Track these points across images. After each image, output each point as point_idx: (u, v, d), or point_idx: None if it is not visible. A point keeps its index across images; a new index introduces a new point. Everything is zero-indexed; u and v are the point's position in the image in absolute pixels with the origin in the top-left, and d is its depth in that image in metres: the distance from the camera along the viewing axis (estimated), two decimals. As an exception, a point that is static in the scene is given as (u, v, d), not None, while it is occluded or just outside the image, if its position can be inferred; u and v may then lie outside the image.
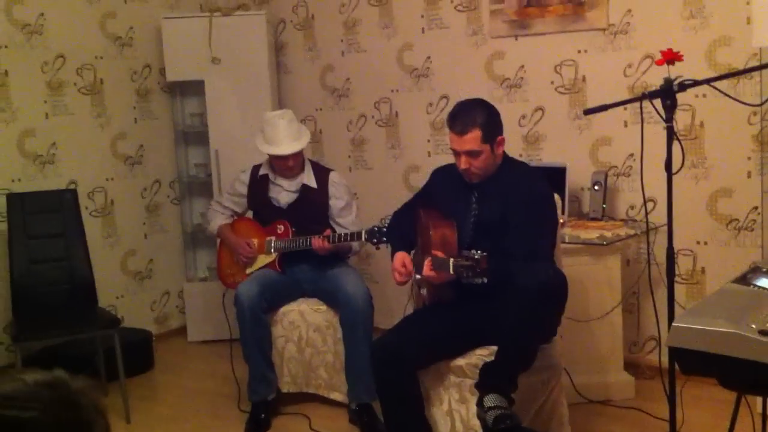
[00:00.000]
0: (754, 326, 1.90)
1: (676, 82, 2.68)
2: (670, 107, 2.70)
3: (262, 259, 3.88)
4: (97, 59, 4.69)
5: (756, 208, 3.66)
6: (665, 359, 3.24)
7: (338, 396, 3.79)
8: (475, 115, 2.90)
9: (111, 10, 4.75)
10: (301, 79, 5.12)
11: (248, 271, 3.88)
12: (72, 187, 4.47)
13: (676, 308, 2.75)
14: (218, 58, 4.80)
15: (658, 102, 2.75)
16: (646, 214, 3.20)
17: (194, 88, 4.96)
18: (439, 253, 2.80)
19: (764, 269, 2.31)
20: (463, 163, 2.93)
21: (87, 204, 4.59)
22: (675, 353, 2.03)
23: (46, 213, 4.10)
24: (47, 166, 4.45)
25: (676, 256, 2.89)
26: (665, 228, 2.79)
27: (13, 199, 4.08)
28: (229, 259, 3.99)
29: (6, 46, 4.25)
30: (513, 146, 3.99)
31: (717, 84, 2.89)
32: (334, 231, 3.79)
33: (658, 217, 3.55)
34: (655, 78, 3.78)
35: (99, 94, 4.71)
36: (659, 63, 2.88)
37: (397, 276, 3.04)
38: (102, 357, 4.10)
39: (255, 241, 3.90)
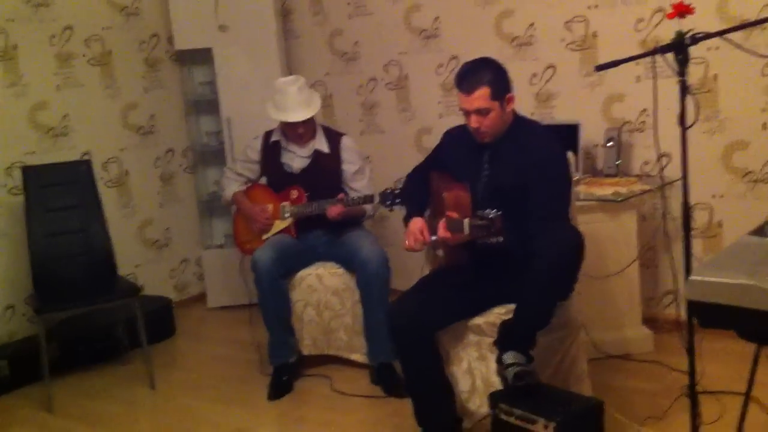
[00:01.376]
0: (772, 277, 1.91)
1: (687, 36, 2.65)
2: (683, 61, 2.68)
3: (278, 225, 3.91)
4: (104, 30, 4.69)
5: (772, 160, 3.65)
6: (683, 313, 3.25)
7: (359, 357, 3.84)
8: (482, 74, 2.89)
9: (116, -21, 4.74)
10: (310, 44, 5.10)
11: (264, 237, 3.91)
12: (86, 158, 4.49)
13: (693, 262, 2.76)
14: (225, 25, 4.78)
15: (670, 56, 2.73)
16: (661, 169, 3.19)
17: (203, 57, 4.95)
18: (454, 215, 2.81)
19: (781, 221, 2.31)
20: (473, 122, 2.92)
21: (102, 175, 4.62)
22: (693, 306, 2.04)
23: (62, 185, 4.14)
24: (60, 138, 4.47)
25: (692, 210, 2.89)
26: (680, 182, 2.79)
27: (29, 171, 4.11)
28: (245, 226, 4.01)
29: (13, 20, 4.25)
30: (524, 105, 3.98)
31: (729, 36, 2.86)
32: (347, 195, 3.81)
33: (673, 171, 3.54)
34: (666, 32, 3.72)
35: (108, 65, 4.72)
36: (670, 16, 2.85)
37: (411, 240, 3.02)
38: (124, 325, 4.17)
39: (270, 207, 3.92)
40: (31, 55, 4.33)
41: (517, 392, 2.67)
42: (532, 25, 4.23)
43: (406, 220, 3.12)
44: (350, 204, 3.72)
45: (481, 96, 2.86)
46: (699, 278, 2.00)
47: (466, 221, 2.72)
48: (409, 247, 3.02)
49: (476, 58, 2.98)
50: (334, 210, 3.71)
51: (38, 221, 4.04)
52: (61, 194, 4.12)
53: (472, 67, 2.93)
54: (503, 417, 2.68)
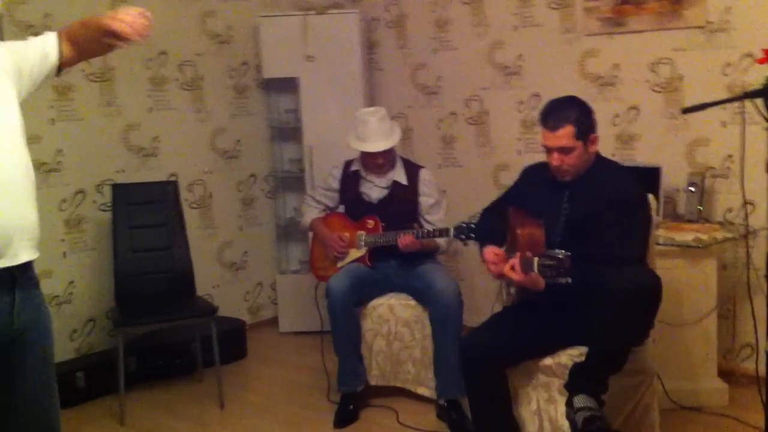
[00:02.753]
0: None
1: (779, 82, 2.61)
2: (773, 107, 2.64)
3: (353, 254, 3.96)
4: (197, 56, 4.86)
5: None
6: (762, 367, 3.15)
7: (425, 391, 3.84)
8: (568, 112, 2.90)
9: (210, 8, 4.91)
10: (393, 77, 5.18)
11: (339, 264, 3.96)
12: (173, 179, 4.65)
13: (774, 315, 2.69)
14: (312, 56, 4.90)
15: (759, 101, 2.69)
16: (746, 216, 3.12)
17: (289, 85, 5.08)
18: (527, 253, 2.81)
19: None
20: (555, 160, 2.92)
21: (186, 196, 4.76)
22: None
23: (149, 203, 4.28)
24: (150, 158, 4.64)
25: (774, 261, 2.82)
26: (763, 232, 2.73)
27: (118, 189, 4.28)
28: (321, 253, 4.08)
29: (113, 44, 4.44)
30: (606, 146, 3.94)
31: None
32: (421, 227, 3.85)
33: (757, 220, 3.46)
34: (754, 77, 3.67)
35: (198, 90, 4.88)
36: (761, 62, 2.82)
37: (492, 267, 3.02)
38: (199, 344, 4.27)
39: (346, 235, 3.98)
40: (126, 78, 4.52)
41: (587, 437, 2.64)
42: (616, 65, 4.21)
43: (481, 252, 3.13)
44: (423, 236, 3.74)
45: (566, 134, 2.86)
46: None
47: (536, 260, 2.72)
48: (496, 273, 2.99)
49: (563, 96, 2.99)
50: (405, 239, 3.74)
51: (124, 237, 4.19)
52: (148, 213, 4.26)
53: (558, 104, 2.93)
54: (571, 461, 2.64)
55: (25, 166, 2.09)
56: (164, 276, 4.23)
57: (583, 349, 2.82)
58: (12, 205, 2.01)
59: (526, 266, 2.75)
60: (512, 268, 2.79)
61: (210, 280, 4.95)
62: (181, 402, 4.08)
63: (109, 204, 4.31)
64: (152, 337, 4.36)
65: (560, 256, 2.60)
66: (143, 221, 4.25)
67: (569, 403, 2.72)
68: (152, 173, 4.62)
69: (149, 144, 4.64)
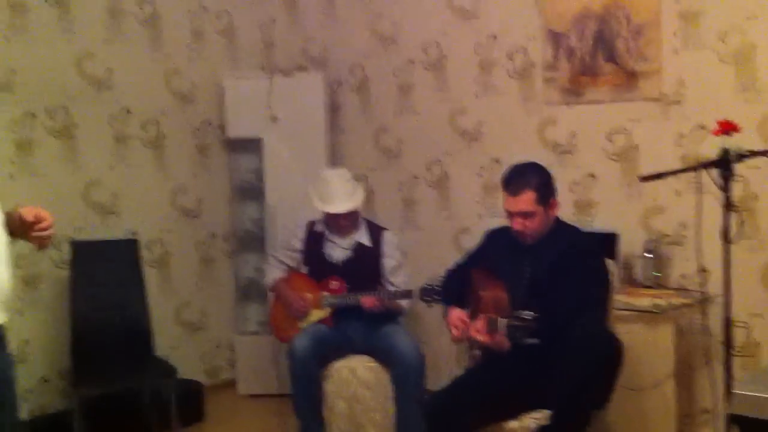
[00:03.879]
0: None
1: (733, 153, 2.73)
2: (727, 177, 2.75)
3: (316, 314, 3.95)
4: (160, 114, 4.87)
5: (812, 280, 3.64)
6: None
7: (385, 454, 3.81)
8: (530, 177, 2.98)
9: (176, 67, 4.95)
10: (356, 139, 5.25)
11: (301, 325, 3.95)
12: (132, 237, 4.60)
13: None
14: (277, 117, 4.95)
15: (714, 171, 2.80)
16: (703, 282, 3.21)
17: (252, 145, 5.10)
18: (492, 315, 2.84)
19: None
20: (516, 224, 2.99)
21: (144, 254, 4.70)
22: (737, 421, 2.04)
23: (108, 261, 4.25)
24: (109, 215, 4.60)
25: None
26: (719, 299, 2.81)
27: (77, 246, 4.23)
28: (283, 313, 4.06)
29: (75, 99, 4.44)
30: (565, 211, 4.01)
31: (774, 156, 2.93)
32: (385, 289, 3.87)
33: (712, 287, 3.56)
34: (707, 149, 3.80)
35: (161, 148, 4.88)
36: (716, 133, 2.94)
37: (454, 331, 3.06)
38: (155, 406, 4.17)
39: (309, 295, 3.98)
40: (89, 134, 4.50)
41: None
42: (574, 134, 4.34)
43: (445, 314, 3.16)
44: (388, 298, 3.76)
45: (527, 199, 2.93)
46: (744, 393, 2.00)
47: (502, 321, 2.75)
48: (456, 337, 3.04)
49: (524, 162, 3.06)
50: (368, 301, 3.76)
51: (82, 295, 4.12)
52: (107, 270, 4.22)
53: (520, 170, 3.01)
54: None
55: None
56: (122, 335, 4.15)
57: (547, 413, 2.85)
58: None
59: (492, 328, 2.78)
60: (478, 330, 2.83)
61: (167, 340, 4.85)
62: (135, 466, 3.97)
63: (67, 261, 4.25)
64: (106, 398, 4.24)
65: (528, 318, 2.65)
66: (101, 279, 4.20)
67: (534, 467, 2.73)
68: (111, 230, 4.57)
69: (109, 201, 4.60)
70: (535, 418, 2.91)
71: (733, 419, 2.09)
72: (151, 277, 4.73)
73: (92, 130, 4.52)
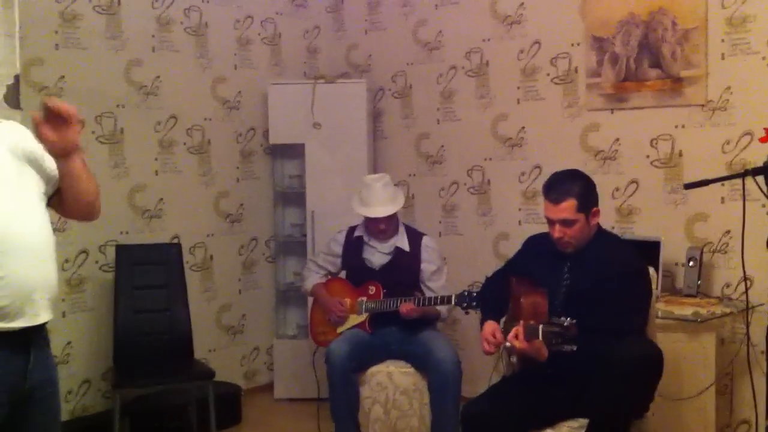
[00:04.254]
0: None
1: (779, 160, 2.68)
2: (773, 184, 2.69)
3: (353, 319, 3.97)
4: (206, 120, 4.95)
5: None
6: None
7: (422, 460, 3.80)
8: (571, 185, 2.95)
9: (222, 75, 5.02)
10: (397, 145, 5.27)
11: (339, 330, 3.97)
12: (175, 241, 4.68)
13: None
14: (319, 123, 4.99)
15: (760, 179, 2.75)
16: (747, 290, 3.14)
17: (294, 151, 5.16)
18: (531, 321, 2.82)
19: None
20: (557, 232, 2.96)
21: (188, 258, 4.78)
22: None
23: (151, 265, 4.31)
24: (154, 220, 4.68)
25: (773, 337, 2.83)
26: (762, 308, 2.75)
27: (121, 250, 4.31)
28: (321, 318, 4.08)
29: (123, 106, 4.53)
30: (606, 218, 3.97)
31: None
32: (422, 295, 3.87)
33: (755, 296, 3.48)
34: (753, 155, 3.75)
35: (206, 154, 4.95)
36: (763, 140, 2.89)
37: (485, 345, 3.04)
38: (194, 408, 4.23)
39: (347, 300, 3.99)
40: (135, 140, 4.59)
41: None
42: (617, 140, 4.29)
43: (482, 324, 3.15)
44: (424, 303, 3.76)
45: (568, 207, 2.91)
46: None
47: (541, 327, 2.73)
48: (487, 352, 3.04)
49: (567, 169, 3.05)
50: (405, 307, 3.76)
51: (126, 298, 4.20)
52: (150, 274, 4.28)
53: (562, 177, 2.99)
54: None
55: (46, 227, 2.13)
56: (163, 338, 4.22)
57: (584, 422, 2.81)
58: (34, 265, 2.05)
59: (530, 334, 2.76)
60: (516, 336, 2.80)
61: (207, 343, 4.92)
62: (175, 466, 4.02)
63: (112, 264, 4.33)
64: (148, 401, 4.32)
65: (565, 324, 2.62)
66: (145, 282, 4.27)
67: (569, 475, 2.70)
68: (155, 235, 4.65)
69: (154, 206, 4.68)
70: (571, 427, 2.88)
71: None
72: (193, 280, 4.80)
73: (139, 136, 4.60)
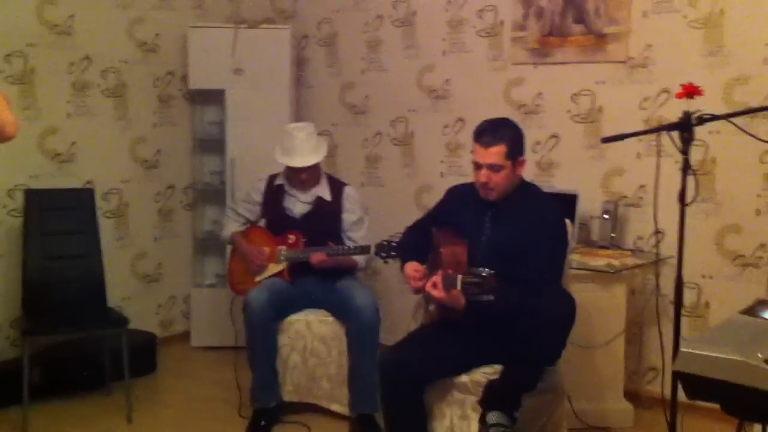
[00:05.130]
0: (760, 356, 1.94)
1: (695, 116, 2.74)
2: (687, 140, 2.76)
3: (272, 268, 3.92)
4: (121, 63, 4.76)
5: (763, 245, 3.70)
6: (666, 390, 3.25)
7: (338, 408, 3.82)
8: (504, 132, 2.97)
9: (139, 15, 4.83)
10: (321, 94, 5.20)
11: (258, 278, 3.92)
12: (88, 186, 4.52)
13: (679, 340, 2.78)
14: (241, 69, 4.87)
15: (675, 134, 2.81)
16: (657, 243, 3.24)
17: (215, 97, 5.03)
18: (449, 271, 2.84)
19: (771, 302, 2.35)
20: (482, 177, 2.96)
21: (101, 204, 4.63)
22: (681, 378, 2.06)
23: (62, 210, 4.16)
24: (65, 164, 4.50)
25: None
26: (672, 260, 2.83)
27: (31, 195, 4.14)
28: (240, 267, 4.03)
29: (34, 45, 4.32)
30: (526, 171, 4.00)
31: (734, 121, 2.94)
32: (342, 244, 3.85)
33: (666, 248, 3.60)
34: (670, 113, 3.84)
35: (121, 98, 4.78)
36: (680, 96, 2.95)
37: (412, 282, 3.06)
38: (108, 357, 4.14)
39: (266, 249, 3.94)
40: (47, 81, 4.39)
41: (498, 453, 2.66)
42: (539, 94, 4.33)
43: (402, 268, 3.15)
44: (338, 253, 3.75)
45: (498, 152, 2.92)
46: (689, 350, 2.02)
47: (459, 277, 2.74)
48: (415, 288, 3.05)
49: (499, 117, 3.06)
50: (316, 257, 3.74)
51: (35, 244, 4.04)
52: (61, 220, 4.13)
53: (494, 123, 3.00)
54: (482, 477, 2.66)
55: None
56: (75, 285, 4.10)
57: (498, 367, 2.86)
58: None
59: (448, 283, 2.77)
60: (434, 285, 2.82)
61: (122, 290, 4.81)
62: (87, 415, 3.94)
63: (20, 210, 4.17)
64: (59, 349, 4.21)
65: (484, 274, 2.64)
66: (56, 228, 4.12)
67: (482, 420, 2.75)
68: (67, 180, 4.48)
69: (66, 150, 4.51)
70: (485, 373, 2.92)
71: (678, 376, 2.11)
72: (107, 227, 4.66)
73: (50, 77, 4.40)
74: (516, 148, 2.97)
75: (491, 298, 2.69)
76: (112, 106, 4.74)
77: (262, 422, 3.71)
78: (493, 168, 2.94)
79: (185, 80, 5.04)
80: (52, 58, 4.41)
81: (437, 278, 2.83)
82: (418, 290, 3.04)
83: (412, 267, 3.08)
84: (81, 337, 4.10)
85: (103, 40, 4.64)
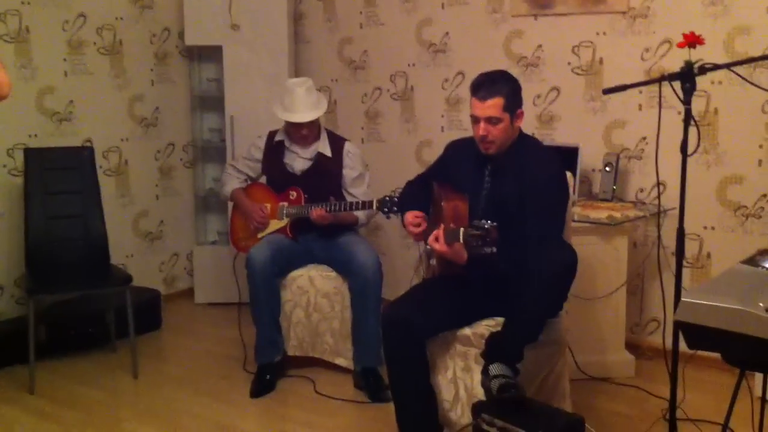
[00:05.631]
0: (761, 304, 1.95)
1: (696, 65, 2.71)
2: (689, 90, 2.74)
3: (274, 224, 3.93)
4: (117, 20, 4.71)
5: (765, 195, 3.70)
6: (667, 341, 3.28)
7: (343, 362, 3.86)
8: (500, 84, 2.94)
9: (133, -29, 4.78)
10: (319, 50, 5.15)
11: (260, 235, 3.93)
12: (88, 144, 4.51)
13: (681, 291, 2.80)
14: (237, 25, 4.82)
15: (677, 84, 2.78)
16: (659, 195, 3.24)
17: (212, 54, 4.99)
18: (451, 224, 2.84)
19: (773, 252, 2.36)
20: (481, 130, 2.95)
21: (101, 163, 4.63)
22: (682, 327, 2.08)
23: (63, 169, 4.15)
24: (64, 123, 4.48)
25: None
26: (674, 212, 2.83)
27: (31, 154, 4.13)
28: (242, 223, 4.04)
29: (28, 3, 4.27)
30: (527, 124, 4.00)
31: (736, 70, 2.92)
32: (343, 200, 3.85)
33: (668, 201, 3.60)
34: (671, 63, 3.81)
35: (118, 55, 4.74)
36: (681, 45, 2.91)
37: (412, 229, 3.07)
38: (112, 314, 4.17)
39: (268, 206, 3.95)
40: (42, 39, 4.34)
41: (501, 404, 2.69)
42: (540, 46, 4.29)
43: (403, 221, 3.16)
44: (337, 209, 3.75)
45: (495, 105, 2.90)
46: (690, 300, 2.04)
47: (461, 230, 2.75)
48: (416, 235, 3.08)
49: (496, 70, 3.03)
50: (316, 212, 3.74)
51: (36, 204, 4.05)
52: (61, 179, 4.13)
53: (491, 76, 2.97)
54: (485, 427, 2.69)
55: None
56: (78, 244, 4.11)
57: (500, 320, 2.88)
58: None
59: (450, 237, 2.78)
60: (436, 239, 2.82)
61: (125, 249, 4.83)
62: (93, 372, 3.98)
63: (21, 169, 4.16)
64: (64, 307, 4.24)
65: (486, 226, 2.64)
66: (56, 188, 4.12)
67: (485, 371, 2.77)
68: (66, 139, 4.47)
69: (64, 109, 4.48)
70: (488, 325, 2.95)
71: (679, 326, 2.12)
72: (107, 186, 4.66)
73: (46, 36, 4.36)
74: (513, 101, 2.94)
75: (493, 250, 2.70)
76: (108, 64, 4.70)
77: (267, 377, 3.76)
78: (491, 121, 2.92)
79: (182, 37, 5.00)
80: (47, 16, 4.36)
81: (439, 232, 2.83)
82: (420, 238, 3.06)
83: (412, 214, 3.09)
84: (85, 295, 4.12)
85: (97, -5, 4.59)
